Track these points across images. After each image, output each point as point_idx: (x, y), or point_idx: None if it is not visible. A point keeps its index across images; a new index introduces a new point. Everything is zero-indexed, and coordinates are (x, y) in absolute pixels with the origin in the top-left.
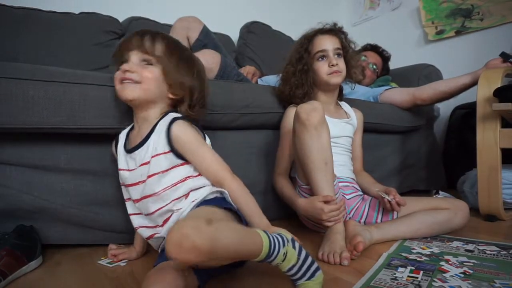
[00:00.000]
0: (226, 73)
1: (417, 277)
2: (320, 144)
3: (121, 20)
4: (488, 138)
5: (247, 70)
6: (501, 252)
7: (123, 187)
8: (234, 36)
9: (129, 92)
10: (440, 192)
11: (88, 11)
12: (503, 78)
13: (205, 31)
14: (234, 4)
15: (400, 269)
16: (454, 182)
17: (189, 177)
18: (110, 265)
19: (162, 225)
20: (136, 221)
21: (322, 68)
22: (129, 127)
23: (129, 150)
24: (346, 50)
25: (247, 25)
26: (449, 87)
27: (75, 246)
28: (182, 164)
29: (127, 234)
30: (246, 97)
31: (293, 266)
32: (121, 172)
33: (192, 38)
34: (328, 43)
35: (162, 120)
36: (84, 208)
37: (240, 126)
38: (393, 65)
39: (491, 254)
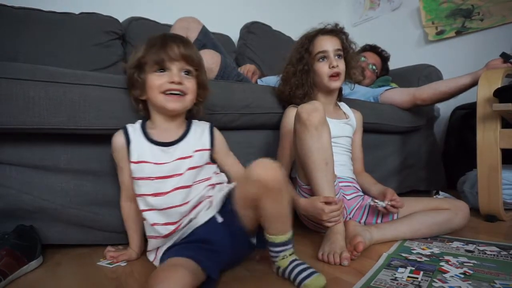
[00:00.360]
0: (226, 73)
1: (417, 278)
2: (320, 144)
3: (121, 20)
4: (488, 139)
5: (247, 68)
6: (501, 253)
7: (140, 181)
8: (234, 36)
9: (175, 105)
10: (440, 192)
11: (88, 11)
12: (504, 79)
13: (204, 31)
14: (234, 4)
15: (400, 270)
16: (454, 183)
17: (214, 173)
18: (110, 266)
19: (184, 216)
20: (151, 216)
21: (323, 69)
22: (138, 124)
23: (164, 144)
24: (346, 51)
25: (247, 25)
26: (449, 87)
27: (75, 246)
28: (209, 163)
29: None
30: (246, 97)
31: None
32: (143, 164)
33: (191, 38)
34: (329, 44)
35: (194, 123)
36: (84, 208)
37: (240, 126)
38: (393, 65)
39: (491, 254)
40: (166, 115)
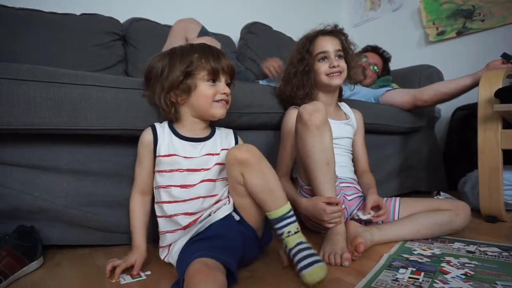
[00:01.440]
0: None
1: (418, 278)
2: (322, 144)
3: (122, 21)
4: (489, 139)
5: (271, 62)
6: (503, 254)
7: (170, 173)
8: (235, 37)
9: (223, 111)
10: (441, 193)
11: (89, 12)
12: (504, 79)
13: (203, 32)
14: (234, 5)
15: (401, 270)
16: (455, 183)
17: None
18: (139, 278)
19: (208, 208)
20: (172, 208)
21: (322, 68)
22: (165, 123)
23: (193, 139)
24: (346, 52)
25: (247, 26)
26: (450, 88)
27: (75, 247)
28: None
29: (128, 235)
30: (247, 97)
31: (301, 242)
32: (174, 157)
33: (190, 39)
34: (329, 45)
35: (217, 128)
36: (84, 209)
37: (240, 126)
38: (394, 66)
39: (492, 255)
40: (202, 119)
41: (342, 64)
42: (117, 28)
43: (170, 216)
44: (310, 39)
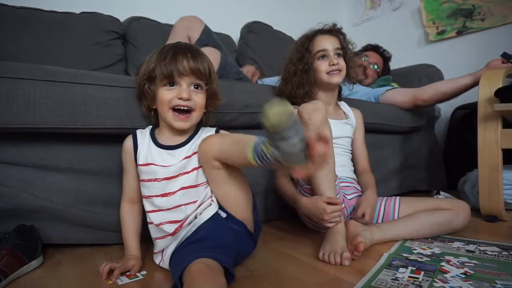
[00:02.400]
0: (226, 71)
1: (418, 278)
2: None
3: (122, 20)
4: (489, 139)
5: (247, 69)
6: (502, 253)
7: (149, 183)
8: (235, 36)
9: (182, 125)
10: (441, 192)
11: (88, 11)
12: (504, 79)
13: (206, 31)
14: (235, 4)
15: (401, 270)
16: (455, 183)
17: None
18: (131, 280)
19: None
20: (157, 217)
21: (322, 66)
22: (147, 129)
23: (171, 147)
24: (345, 51)
25: (248, 25)
26: (450, 87)
27: (75, 246)
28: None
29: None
30: (246, 97)
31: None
32: (151, 167)
33: (193, 38)
34: (328, 43)
35: (202, 129)
36: (84, 208)
37: (240, 126)
38: (394, 65)
39: (492, 254)
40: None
41: (341, 62)
42: (117, 27)
43: (157, 225)
44: (309, 38)
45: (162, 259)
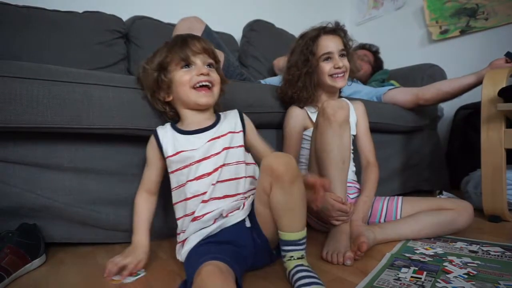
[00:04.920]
0: (229, 72)
1: (420, 278)
2: (341, 142)
3: (124, 19)
4: (493, 139)
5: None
6: (506, 253)
7: (184, 170)
8: (237, 35)
9: (207, 99)
10: (444, 192)
11: (91, 10)
12: (508, 78)
13: (207, 31)
14: (237, 3)
15: (403, 270)
16: (458, 183)
17: (246, 163)
18: (136, 277)
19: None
20: (194, 203)
21: (326, 68)
22: (167, 125)
23: (197, 131)
24: (347, 49)
25: (250, 24)
26: (452, 87)
27: (78, 245)
28: (242, 146)
29: (130, 232)
30: (249, 97)
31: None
32: (182, 154)
33: None
34: (333, 45)
35: (222, 114)
36: (87, 207)
37: None
38: (396, 64)
39: (495, 255)
40: (197, 109)
41: (346, 63)
42: (120, 26)
43: (194, 214)
44: (313, 39)
45: (178, 252)
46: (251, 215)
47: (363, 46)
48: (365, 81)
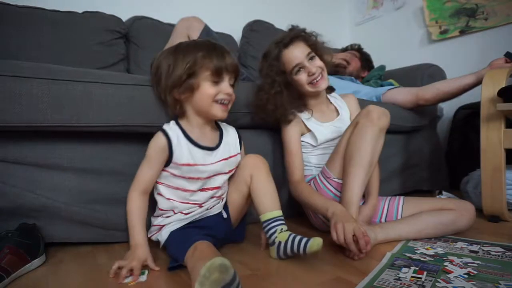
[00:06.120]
0: None
1: (420, 278)
2: (376, 146)
3: (124, 19)
4: (492, 139)
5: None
6: (506, 253)
7: (192, 180)
8: (237, 35)
9: (224, 114)
10: (443, 192)
11: (91, 10)
12: (508, 78)
13: (206, 30)
14: (236, 3)
15: (404, 269)
16: (457, 182)
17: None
18: (144, 275)
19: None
20: (182, 206)
21: (302, 79)
22: (174, 125)
23: (210, 148)
24: (315, 47)
25: (250, 24)
26: (452, 87)
27: (77, 244)
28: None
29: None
30: (248, 97)
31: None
32: (196, 167)
33: (192, 37)
34: (298, 55)
35: (221, 125)
36: (87, 207)
37: (242, 125)
38: (396, 64)
39: (495, 255)
40: (206, 118)
41: (319, 63)
42: (119, 26)
43: (183, 211)
44: (276, 58)
45: (159, 232)
46: (225, 208)
47: (344, 50)
48: (357, 76)
